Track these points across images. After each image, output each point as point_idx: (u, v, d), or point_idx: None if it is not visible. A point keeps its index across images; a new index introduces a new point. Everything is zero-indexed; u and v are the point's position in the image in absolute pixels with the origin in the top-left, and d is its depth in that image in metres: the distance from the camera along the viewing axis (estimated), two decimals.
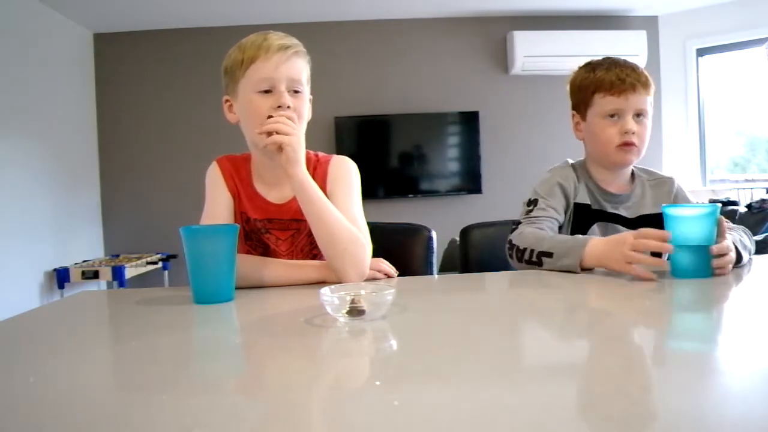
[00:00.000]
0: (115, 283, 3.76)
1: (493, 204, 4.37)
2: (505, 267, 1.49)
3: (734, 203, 3.89)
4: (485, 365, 0.65)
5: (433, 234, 1.54)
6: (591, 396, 0.54)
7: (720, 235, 1.09)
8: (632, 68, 1.37)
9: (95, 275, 3.76)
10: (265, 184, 1.27)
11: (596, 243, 1.16)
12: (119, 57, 4.49)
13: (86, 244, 4.29)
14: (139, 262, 4.00)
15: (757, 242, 2.92)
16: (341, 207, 1.18)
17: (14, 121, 3.49)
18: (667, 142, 4.71)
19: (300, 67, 1.20)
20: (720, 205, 1.19)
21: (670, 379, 0.58)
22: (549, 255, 1.20)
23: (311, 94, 1.26)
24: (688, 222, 1.09)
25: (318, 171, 1.25)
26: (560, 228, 1.37)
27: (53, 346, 0.79)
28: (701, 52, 4.61)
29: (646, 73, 1.38)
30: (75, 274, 3.76)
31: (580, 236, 1.24)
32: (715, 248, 1.07)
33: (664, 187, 1.43)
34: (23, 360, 0.73)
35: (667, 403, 0.51)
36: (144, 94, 4.51)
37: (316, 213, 1.14)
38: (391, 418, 0.50)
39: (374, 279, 1.20)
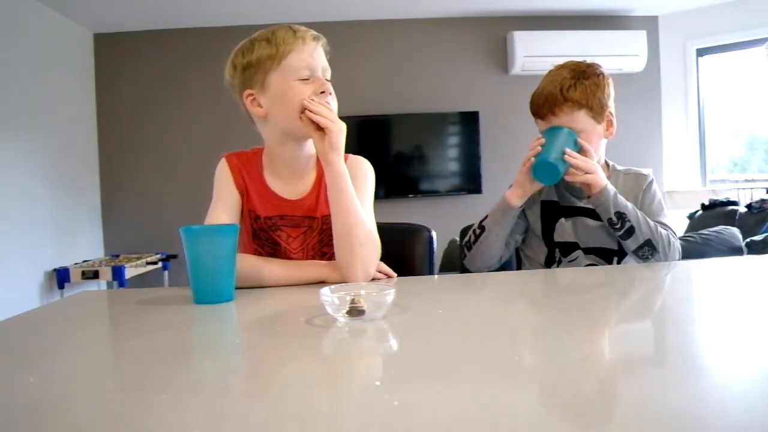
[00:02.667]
0: (115, 283, 3.76)
1: (493, 204, 4.37)
2: (504, 267, 1.49)
3: (734, 203, 3.89)
4: (485, 365, 0.65)
5: (434, 234, 1.54)
6: (590, 396, 0.54)
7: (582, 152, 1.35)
8: (561, 86, 1.37)
9: (95, 275, 3.76)
10: (280, 179, 1.26)
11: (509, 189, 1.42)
12: (119, 57, 4.49)
13: (86, 244, 4.30)
14: (139, 262, 3.99)
15: (757, 242, 2.92)
16: None
17: (14, 121, 3.49)
18: (667, 142, 4.71)
19: (326, 59, 1.24)
20: (574, 131, 1.36)
21: (671, 378, 0.58)
22: (484, 219, 1.43)
23: None
24: (546, 137, 1.37)
25: None
26: (527, 228, 1.49)
27: (53, 346, 0.79)
28: (701, 52, 4.61)
29: (584, 86, 1.37)
30: (75, 274, 3.76)
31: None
32: (567, 151, 1.33)
33: (638, 181, 1.45)
34: (23, 360, 0.73)
35: (667, 403, 0.51)
36: (144, 94, 4.51)
37: (344, 204, 1.15)
38: (391, 418, 0.50)
39: (374, 279, 1.20)
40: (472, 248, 1.44)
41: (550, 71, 1.44)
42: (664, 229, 1.35)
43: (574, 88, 1.37)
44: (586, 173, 1.33)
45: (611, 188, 1.34)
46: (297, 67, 1.18)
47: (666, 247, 1.33)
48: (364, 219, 1.16)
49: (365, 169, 1.30)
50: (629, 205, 1.34)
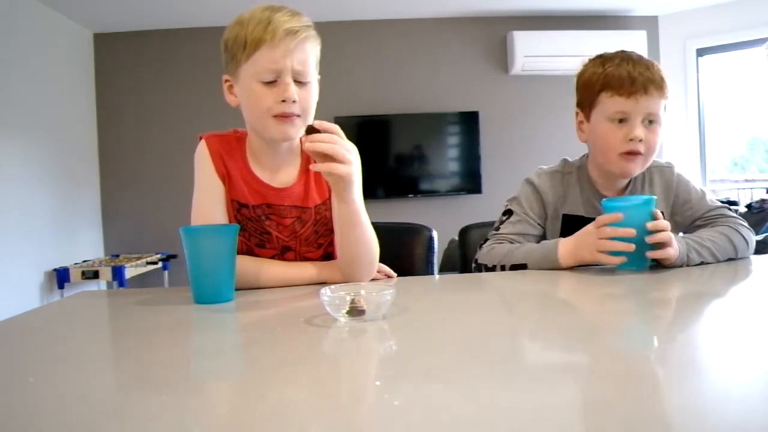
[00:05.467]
0: (115, 283, 3.76)
1: (493, 204, 4.35)
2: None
3: (734, 203, 3.90)
4: (485, 365, 0.64)
5: (434, 234, 1.54)
6: (591, 396, 0.54)
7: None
8: (647, 66, 1.23)
9: (95, 275, 3.76)
10: (264, 169, 1.20)
11: (565, 242, 1.19)
12: (119, 57, 4.49)
13: (86, 244, 4.29)
14: (139, 262, 3.99)
15: (758, 242, 2.92)
16: None
17: (14, 121, 3.49)
18: (667, 142, 4.71)
19: (308, 54, 1.11)
20: (655, 198, 1.16)
21: (671, 378, 0.58)
22: (523, 266, 1.20)
23: (319, 74, 1.18)
24: (624, 213, 1.12)
25: None
26: (543, 238, 1.32)
27: (53, 346, 0.79)
28: (701, 52, 4.61)
29: (662, 72, 1.25)
30: (75, 274, 3.76)
31: (547, 241, 1.22)
32: (650, 225, 1.09)
33: (664, 177, 1.33)
34: (23, 360, 0.73)
35: (667, 403, 0.51)
36: (144, 94, 4.51)
37: (356, 236, 1.12)
38: (391, 418, 0.50)
39: (374, 279, 1.20)
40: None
41: (611, 54, 1.27)
42: (734, 227, 1.22)
43: (658, 69, 1.24)
44: (667, 247, 1.12)
45: (684, 250, 1.15)
46: (262, 68, 1.07)
47: (744, 250, 1.21)
48: (373, 242, 1.14)
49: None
50: (703, 251, 1.17)
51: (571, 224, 1.30)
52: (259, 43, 1.06)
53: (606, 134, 1.24)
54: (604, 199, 1.18)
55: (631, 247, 1.09)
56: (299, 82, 1.10)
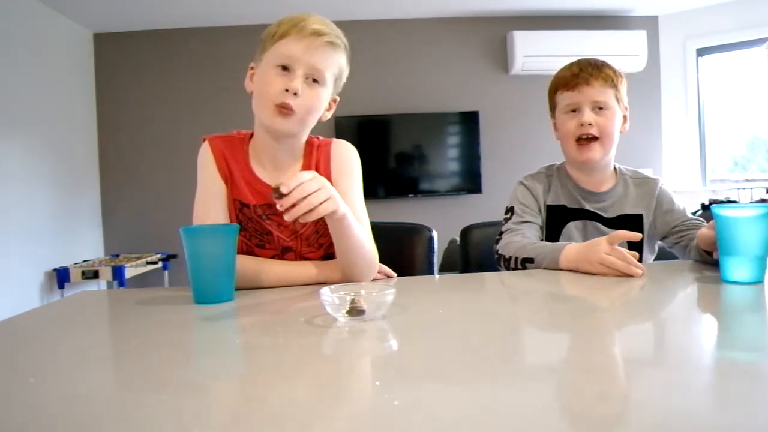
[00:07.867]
0: (115, 283, 3.76)
1: (493, 204, 4.37)
2: None
3: (734, 203, 3.90)
4: (485, 365, 0.64)
5: (434, 234, 1.54)
6: (591, 396, 0.54)
7: None
8: (594, 65, 1.38)
9: (95, 275, 3.76)
10: (265, 169, 1.21)
11: (572, 247, 1.23)
12: (119, 57, 4.49)
13: (86, 244, 4.29)
14: (139, 262, 4.00)
15: None
16: (346, 198, 1.14)
17: (14, 121, 3.49)
18: (667, 142, 4.71)
19: (328, 59, 1.14)
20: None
21: (671, 378, 0.58)
22: (531, 260, 1.28)
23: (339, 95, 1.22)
24: (742, 224, 1.02)
25: (320, 156, 1.23)
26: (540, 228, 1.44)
27: (53, 346, 0.79)
28: (701, 52, 4.61)
29: (613, 70, 1.39)
30: (75, 274, 3.76)
31: (559, 243, 1.29)
32: None
33: (647, 186, 1.44)
34: (23, 360, 0.73)
35: (667, 403, 0.51)
36: (144, 94, 4.51)
37: (348, 245, 1.14)
38: (391, 418, 0.50)
39: (374, 279, 1.20)
40: (508, 270, 1.33)
41: (568, 63, 1.43)
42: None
43: (606, 66, 1.38)
44: None
45: None
46: (281, 53, 1.11)
47: None
48: (366, 248, 1.16)
49: (352, 157, 1.25)
50: None
51: (554, 214, 1.43)
52: (286, 33, 1.12)
53: (564, 124, 1.40)
54: (713, 206, 1.08)
55: (637, 272, 1.10)
56: (311, 80, 1.13)
